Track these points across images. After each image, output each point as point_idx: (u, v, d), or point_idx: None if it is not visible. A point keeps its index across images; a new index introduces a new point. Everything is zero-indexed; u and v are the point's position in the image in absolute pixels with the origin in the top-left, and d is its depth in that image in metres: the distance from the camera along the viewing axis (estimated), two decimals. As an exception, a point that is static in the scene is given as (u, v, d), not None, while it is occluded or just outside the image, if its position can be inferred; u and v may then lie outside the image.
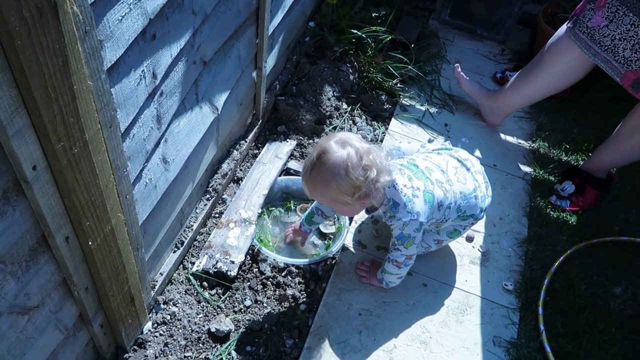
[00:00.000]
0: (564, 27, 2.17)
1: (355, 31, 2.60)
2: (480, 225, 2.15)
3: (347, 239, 2.06)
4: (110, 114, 1.08)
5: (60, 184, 1.00)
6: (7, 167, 0.89)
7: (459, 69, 2.61)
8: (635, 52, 1.90)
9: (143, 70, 1.23)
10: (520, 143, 2.58)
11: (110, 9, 1.02)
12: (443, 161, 1.80)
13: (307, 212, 2.00)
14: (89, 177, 1.06)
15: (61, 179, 0.99)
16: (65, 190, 1.02)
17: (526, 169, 2.45)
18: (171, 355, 1.67)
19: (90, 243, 1.16)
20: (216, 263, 1.89)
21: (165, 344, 1.69)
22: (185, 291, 1.84)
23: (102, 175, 1.10)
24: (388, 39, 2.64)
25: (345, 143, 1.52)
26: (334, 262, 1.99)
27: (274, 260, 1.97)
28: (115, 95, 1.12)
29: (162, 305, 1.77)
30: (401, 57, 2.67)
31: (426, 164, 1.76)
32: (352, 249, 2.04)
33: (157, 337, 1.70)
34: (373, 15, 2.73)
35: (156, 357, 1.66)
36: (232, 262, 1.90)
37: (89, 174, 1.05)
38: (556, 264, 2.05)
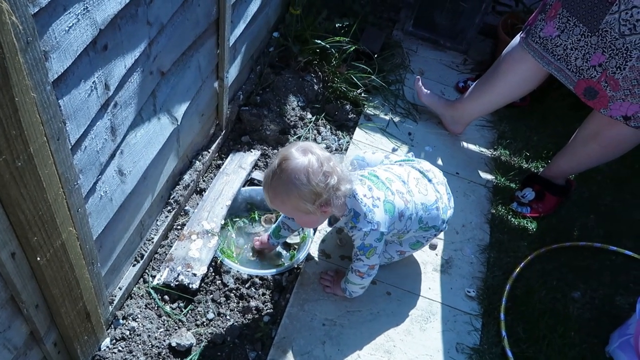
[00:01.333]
0: (517, 38, 2.23)
1: (319, 41, 2.61)
2: (443, 233, 2.18)
3: (312, 248, 2.05)
4: (57, 126, 1.05)
5: (3, 198, 0.97)
6: (-56, 182, 0.86)
7: (419, 82, 2.65)
8: (586, 61, 1.96)
9: (94, 81, 1.21)
10: (482, 151, 2.62)
11: (56, 19, 1.00)
12: (404, 172, 1.82)
13: (273, 226, 2.00)
14: (36, 191, 1.03)
15: (4, 193, 0.96)
16: (9, 205, 0.99)
17: (488, 176, 2.50)
18: (130, 371, 1.64)
19: (39, 259, 1.13)
20: (178, 276, 1.86)
21: (124, 360, 1.65)
22: (146, 305, 1.81)
23: (49, 189, 1.07)
24: (352, 49, 2.67)
25: (306, 150, 1.54)
26: (298, 272, 1.98)
27: (238, 271, 1.95)
28: (64, 106, 1.10)
29: (121, 321, 1.73)
30: (365, 67, 2.70)
31: (387, 175, 1.77)
32: (316, 259, 2.03)
33: (115, 353, 1.66)
34: (337, 25, 2.75)
35: (114, 374, 1.62)
36: (194, 275, 1.87)
37: (35, 188, 1.02)
38: (517, 269, 2.08)
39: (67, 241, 1.21)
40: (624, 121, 1.98)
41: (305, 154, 1.53)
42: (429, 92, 2.64)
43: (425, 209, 1.78)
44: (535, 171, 2.54)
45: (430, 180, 1.84)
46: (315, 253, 2.05)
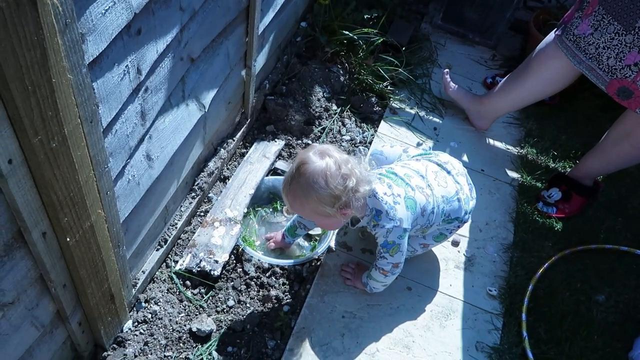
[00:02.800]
0: (552, 34, 2.18)
1: (346, 32, 2.59)
2: (465, 230, 2.15)
3: (333, 241, 2.05)
4: (91, 109, 1.06)
5: (37, 178, 0.98)
6: (-19, 160, 0.87)
7: (447, 75, 2.62)
8: (619, 60, 1.91)
9: (127, 65, 1.21)
10: (508, 149, 2.58)
11: (93, 2, 1.00)
12: (422, 167, 1.80)
13: (288, 224, 2.01)
14: (68, 173, 1.04)
15: (38, 173, 0.97)
16: (43, 186, 1.00)
17: (513, 174, 2.46)
18: (151, 354, 1.65)
19: (68, 239, 1.14)
20: (200, 262, 1.87)
21: (145, 343, 1.67)
22: (168, 290, 1.82)
23: (81, 170, 1.08)
24: (379, 41, 2.64)
25: (323, 153, 1.54)
26: (318, 263, 1.98)
27: (259, 260, 1.95)
28: (97, 89, 1.11)
29: (143, 304, 1.75)
30: (392, 59, 2.67)
31: (404, 171, 1.76)
32: (337, 251, 2.03)
33: (137, 335, 1.68)
34: (365, 17, 2.73)
35: (135, 356, 1.64)
36: (216, 262, 1.88)
37: (67, 169, 1.03)
38: (541, 270, 2.05)
39: (95, 223, 1.22)
40: None
41: (323, 157, 1.53)
42: (456, 86, 2.61)
43: (447, 202, 1.77)
44: (563, 171, 2.49)
45: (449, 172, 1.82)
46: (336, 245, 2.04)
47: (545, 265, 2.07)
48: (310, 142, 2.37)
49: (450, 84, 2.61)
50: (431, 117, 2.65)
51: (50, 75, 0.87)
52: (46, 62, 0.86)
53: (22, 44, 0.80)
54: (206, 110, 1.82)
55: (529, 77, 2.27)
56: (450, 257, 2.08)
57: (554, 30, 2.17)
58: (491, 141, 2.60)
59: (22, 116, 0.85)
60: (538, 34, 2.80)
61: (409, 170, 1.76)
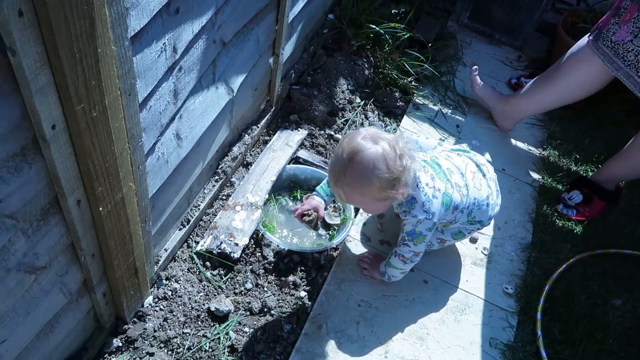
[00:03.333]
0: (585, 39, 2.17)
1: (373, 26, 2.60)
2: (484, 228, 2.15)
3: (352, 231, 2.07)
4: (130, 82, 1.09)
5: (77, 146, 1.01)
6: (27, 124, 0.91)
7: (476, 72, 2.62)
8: None
9: (164, 43, 1.24)
10: (530, 150, 2.58)
11: (138, -23, 1.03)
12: (462, 164, 1.80)
13: (324, 182, 1.95)
14: (105, 143, 1.07)
15: (78, 141, 1.00)
16: (81, 153, 1.03)
17: (535, 175, 2.45)
18: (170, 330, 1.69)
19: (100, 209, 1.17)
20: (220, 244, 1.90)
21: (165, 319, 1.71)
22: (188, 269, 1.86)
23: (117, 142, 1.11)
24: (406, 36, 2.65)
25: (374, 138, 1.50)
26: (336, 252, 2.00)
27: (278, 246, 1.98)
28: (136, 64, 1.14)
29: (164, 281, 1.79)
30: (418, 55, 2.67)
31: (448, 165, 1.75)
32: (355, 241, 2.04)
33: (157, 311, 1.72)
34: (392, 11, 2.74)
35: (155, 331, 1.67)
36: (236, 244, 1.91)
37: (105, 139, 1.06)
38: (558, 271, 2.05)
39: (126, 195, 1.25)
40: None
41: (376, 141, 1.49)
42: (483, 83, 2.61)
43: (477, 204, 1.77)
44: (585, 174, 2.48)
45: (484, 175, 1.83)
46: (355, 235, 2.06)
47: (563, 267, 2.07)
48: (332, 133, 2.39)
49: (477, 80, 2.60)
50: (454, 115, 2.65)
51: (97, 45, 0.90)
52: (94, 32, 0.89)
53: (73, 13, 0.83)
54: (234, 95, 1.84)
55: (558, 80, 2.27)
56: (467, 253, 2.09)
57: (587, 35, 2.16)
58: (513, 141, 2.60)
59: (68, 83, 0.88)
60: (566, 37, 2.79)
61: (451, 165, 1.75)
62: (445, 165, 1.73)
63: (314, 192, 1.97)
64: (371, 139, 1.50)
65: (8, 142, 0.89)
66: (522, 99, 2.45)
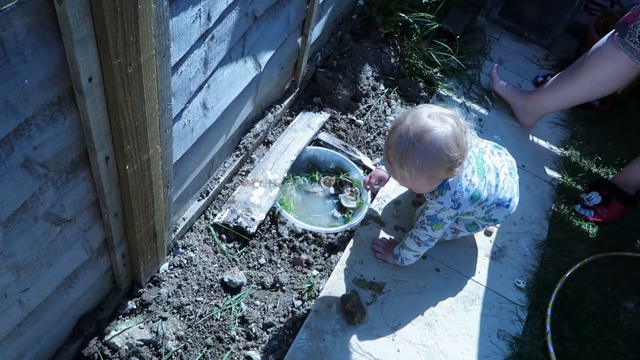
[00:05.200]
0: (607, 36, 2.15)
1: (403, 15, 2.59)
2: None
3: (367, 215, 2.08)
4: (165, 43, 1.11)
5: (110, 101, 1.04)
6: (65, 74, 0.93)
7: (495, 70, 2.61)
8: None
9: (200, 9, 1.26)
10: (551, 148, 2.56)
11: (180, -60, 1.05)
12: (500, 164, 1.80)
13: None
14: (137, 101, 1.09)
15: (112, 96, 1.03)
16: (114, 109, 1.06)
17: (554, 174, 2.44)
18: (183, 297, 1.72)
19: (127, 167, 1.20)
20: (237, 218, 1.92)
21: (179, 286, 1.74)
22: (204, 240, 1.88)
23: (148, 101, 1.13)
24: (435, 27, 2.63)
25: (441, 116, 1.46)
26: (351, 235, 2.01)
27: (293, 224, 2.00)
28: (171, 26, 1.15)
29: (180, 249, 1.82)
30: (445, 46, 2.66)
31: (489, 163, 1.74)
32: (370, 225, 2.06)
33: (172, 278, 1.75)
34: (423, 1, 2.73)
35: (169, 297, 1.70)
36: (253, 220, 1.93)
37: (137, 97, 1.08)
38: (572, 269, 2.05)
39: (152, 157, 1.28)
40: None
41: (444, 119, 1.45)
42: (504, 82, 2.60)
43: (498, 204, 1.78)
44: (605, 177, 2.46)
45: (513, 178, 1.85)
46: (370, 220, 2.07)
47: (576, 266, 2.06)
48: (354, 118, 2.40)
49: (497, 78, 2.60)
50: (477, 108, 2.64)
51: (137, 0, 0.92)
52: (135, -13, 0.90)
53: (117, -34, 0.84)
54: (261, 71, 1.86)
55: (581, 76, 2.25)
56: (481, 245, 2.09)
57: (612, 32, 2.14)
58: (535, 139, 2.58)
59: (108, 36, 0.90)
60: (597, 38, 2.74)
61: (492, 164, 1.74)
62: (487, 162, 1.72)
63: (379, 163, 1.96)
64: (438, 117, 1.45)
65: (46, 90, 0.91)
66: (544, 94, 2.43)
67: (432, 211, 1.69)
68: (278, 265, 1.90)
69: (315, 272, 1.90)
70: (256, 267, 1.88)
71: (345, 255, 1.94)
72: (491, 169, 1.74)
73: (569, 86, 2.31)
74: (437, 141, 1.43)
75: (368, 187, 1.99)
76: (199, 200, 1.90)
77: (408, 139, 1.44)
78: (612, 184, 2.31)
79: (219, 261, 1.86)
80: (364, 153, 2.30)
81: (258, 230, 1.96)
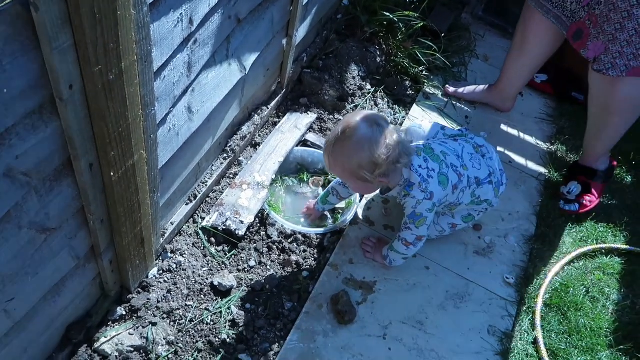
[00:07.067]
0: None
1: (387, 14, 2.60)
2: (488, 218, 2.16)
3: (356, 214, 2.08)
4: (147, 49, 1.10)
5: (92, 108, 1.03)
6: (45, 82, 0.92)
7: (450, 89, 2.66)
8: (579, 3, 2.00)
9: (181, 13, 1.26)
10: (538, 144, 2.58)
11: (159, -56, 1.04)
12: (459, 147, 1.84)
13: (322, 193, 2.04)
14: (120, 107, 1.09)
15: (94, 103, 1.02)
16: (96, 116, 1.05)
17: (541, 169, 2.46)
18: (173, 301, 1.71)
19: (112, 174, 1.19)
20: (226, 221, 1.92)
21: (169, 291, 1.73)
22: (193, 244, 1.88)
23: (131, 107, 1.13)
24: (419, 25, 2.64)
25: (372, 121, 1.57)
26: (340, 235, 2.02)
27: (282, 226, 2.00)
28: (153, 32, 1.15)
29: (169, 254, 1.81)
30: (431, 44, 2.68)
31: (441, 149, 1.80)
32: (359, 225, 2.06)
33: (161, 282, 1.74)
34: (407, 0, 2.73)
35: (158, 302, 1.70)
36: (242, 222, 1.93)
37: (120, 104, 1.08)
38: (560, 264, 2.06)
39: (137, 163, 1.27)
40: (592, 63, 2.00)
41: (372, 125, 1.56)
42: (463, 88, 2.66)
43: (479, 183, 1.81)
44: (576, 160, 2.47)
45: (483, 156, 1.86)
46: (359, 219, 2.08)
47: (564, 260, 2.08)
48: (341, 118, 2.40)
49: (459, 90, 2.65)
50: (463, 106, 2.65)
51: (116, 7, 0.92)
52: (114, -6, 0.90)
53: (95, -28, 0.84)
54: (246, 73, 1.86)
55: (522, 44, 2.36)
56: (470, 242, 2.10)
57: None
58: (522, 135, 2.60)
59: (87, 43, 0.90)
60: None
61: (446, 149, 1.80)
62: (438, 150, 1.78)
63: (316, 200, 2.07)
64: (369, 121, 1.57)
65: (27, 98, 0.90)
66: (503, 75, 2.53)
67: (410, 209, 1.73)
68: (268, 267, 1.90)
69: (305, 274, 1.90)
70: (246, 269, 1.88)
71: (334, 255, 1.94)
72: (447, 152, 1.79)
73: (518, 57, 2.42)
74: (353, 138, 1.55)
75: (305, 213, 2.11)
76: (187, 204, 1.89)
77: (337, 130, 1.60)
78: (584, 166, 2.33)
79: (208, 265, 1.85)
80: (351, 153, 2.31)
81: (247, 233, 1.95)
